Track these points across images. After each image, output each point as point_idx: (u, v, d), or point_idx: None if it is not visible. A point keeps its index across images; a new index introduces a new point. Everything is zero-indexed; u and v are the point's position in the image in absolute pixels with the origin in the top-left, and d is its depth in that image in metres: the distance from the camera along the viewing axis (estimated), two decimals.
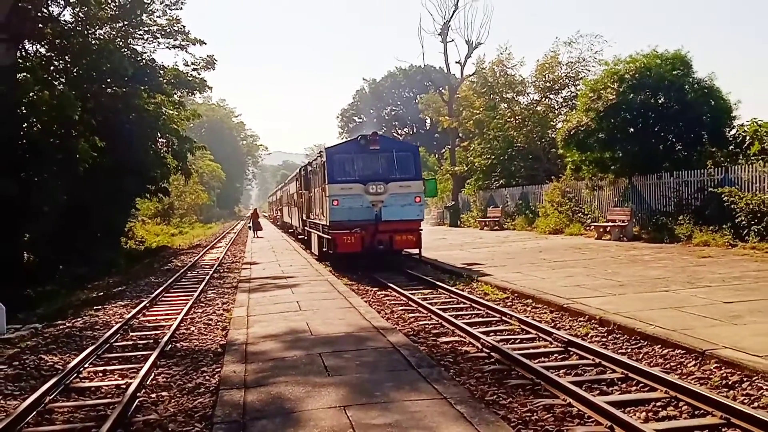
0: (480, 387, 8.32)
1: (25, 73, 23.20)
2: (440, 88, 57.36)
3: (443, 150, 52.76)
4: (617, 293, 13.66)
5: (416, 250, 21.74)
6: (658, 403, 7.41)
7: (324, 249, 22.67)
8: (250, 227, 46.92)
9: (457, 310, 13.97)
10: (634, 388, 8.09)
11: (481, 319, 12.85)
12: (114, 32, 33.52)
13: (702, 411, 7.01)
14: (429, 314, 13.60)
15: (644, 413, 7.15)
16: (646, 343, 9.98)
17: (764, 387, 7.55)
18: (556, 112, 45.02)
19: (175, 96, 38.28)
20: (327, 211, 21.03)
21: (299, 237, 36.19)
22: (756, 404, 7.06)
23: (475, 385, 8.43)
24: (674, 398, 7.46)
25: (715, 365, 8.51)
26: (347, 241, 20.32)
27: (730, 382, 7.88)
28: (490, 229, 39.32)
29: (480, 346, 10.48)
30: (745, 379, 7.88)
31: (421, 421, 6.44)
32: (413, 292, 16.21)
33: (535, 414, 7.25)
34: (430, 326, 12.47)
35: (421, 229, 21.50)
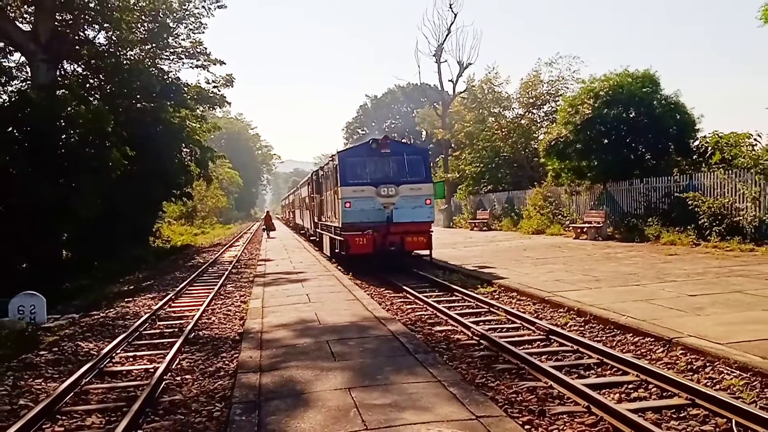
0: (470, 371, 8.32)
1: (64, 90, 23.23)
2: (434, 104, 57.59)
3: (437, 159, 52.77)
4: (593, 287, 13.64)
5: (426, 251, 20.11)
6: (630, 386, 7.40)
7: (336, 250, 21.06)
8: (264, 229, 45.67)
9: (450, 302, 13.96)
10: (609, 372, 8.09)
11: (471, 311, 12.84)
12: (143, 53, 33.56)
13: (669, 393, 7.00)
14: (425, 306, 13.59)
15: (618, 395, 7.15)
16: (619, 332, 9.97)
17: (725, 371, 7.55)
18: (538, 125, 45.01)
19: (197, 110, 38.20)
20: (339, 213, 19.65)
21: (311, 238, 34.54)
22: (717, 386, 7.05)
23: (466, 369, 8.42)
24: (644, 381, 7.46)
25: (681, 351, 8.51)
26: (359, 243, 19.02)
27: (694, 367, 7.87)
28: (480, 229, 39.30)
29: (470, 334, 10.48)
30: (707, 364, 7.87)
31: (417, 401, 6.43)
32: (412, 286, 16.18)
33: (520, 395, 7.24)
34: (426, 316, 12.45)
35: (432, 231, 19.85)
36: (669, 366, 7.98)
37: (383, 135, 20.79)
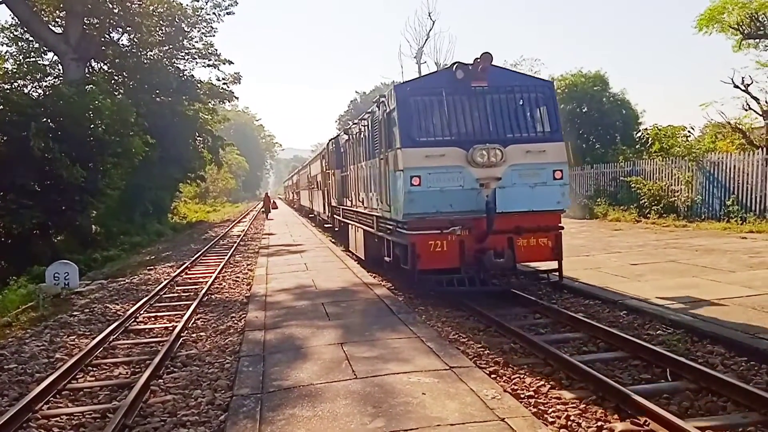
0: (445, 329, 8.34)
1: (91, 86, 22.83)
2: None
3: None
4: None
5: (547, 265, 10.05)
6: (581, 341, 7.47)
7: (386, 257, 11.53)
8: (263, 211, 41.83)
9: None
10: (563, 329, 8.14)
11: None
12: (161, 54, 33.20)
13: (614, 346, 7.06)
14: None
15: (570, 348, 7.20)
16: (571, 295, 10.03)
17: (660, 328, 7.63)
18: None
19: (209, 104, 38.12)
20: (395, 195, 9.99)
21: (326, 226, 23.83)
22: (654, 342, 7.12)
23: (441, 327, 8.45)
24: (593, 337, 7.52)
25: (624, 312, 8.59)
26: (437, 250, 9.49)
27: (635, 325, 7.95)
28: None
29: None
30: (646, 322, 7.95)
31: (399, 354, 6.45)
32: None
33: (487, 349, 7.28)
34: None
35: (562, 227, 9.92)
36: (614, 324, 8.05)
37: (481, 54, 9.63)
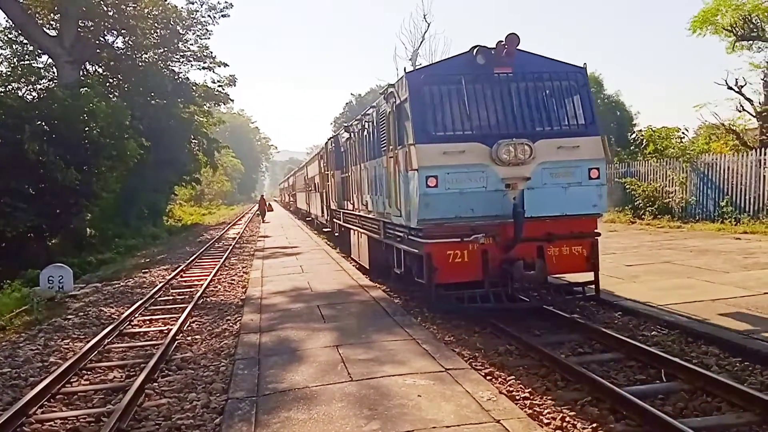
0: (441, 331, 8.33)
1: (86, 88, 22.79)
2: None
3: None
4: None
5: (582, 277, 8.95)
6: (576, 342, 7.46)
7: (396, 268, 10.30)
8: (258, 214, 40.79)
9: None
10: (559, 331, 8.13)
11: None
12: (156, 56, 33.17)
13: (610, 348, 7.06)
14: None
15: (566, 350, 7.21)
16: (569, 297, 9.99)
17: (655, 329, 7.65)
18: None
19: (204, 107, 38.16)
20: (407, 198, 8.84)
21: (324, 230, 22.63)
22: (649, 342, 7.13)
23: (437, 329, 8.44)
24: (588, 338, 7.52)
25: (619, 313, 8.60)
26: (456, 260, 8.37)
27: (630, 326, 7.96)
28: None
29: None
30: (641, 324, 7.96)
31: (395, 356, 6.45)
32: None
33: (482, 351, 7.27)
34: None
35: (599, 233, 8.89)
36: (609, 326, 8.05)
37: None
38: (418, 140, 8.29)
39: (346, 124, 15.13)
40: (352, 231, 14.97)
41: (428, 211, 8.24)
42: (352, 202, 14.50)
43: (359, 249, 14.11)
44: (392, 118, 9.46)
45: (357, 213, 13.80)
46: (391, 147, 9.68)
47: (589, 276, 8.76)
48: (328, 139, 19.44)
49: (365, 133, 12.27)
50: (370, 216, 12.23)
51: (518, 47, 8.53)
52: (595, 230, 8.80)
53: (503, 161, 8.20)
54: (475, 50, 8.58)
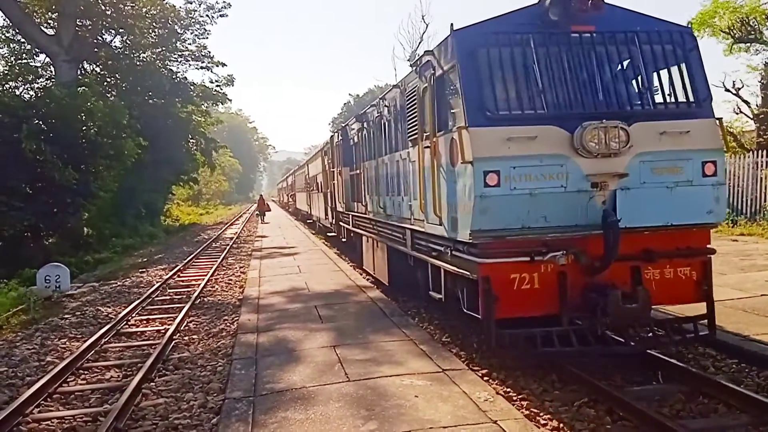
0: (437, 331, 8.34)
1: (84, 87, 22.73)
2: None
3: None
4: None
5: (692, 310, 6.63)
6: None
7: (433, 292, 7.87)
8: (257, 214, 38.96)
9: None
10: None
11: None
12: (154, 56, 33.10)
13: None
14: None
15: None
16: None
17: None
18: None
19: (202, 106, 38.09)
20: (452, 201, 6.57)
21: (329, 233, 20.05)
22: None
23: (434, 330, 8.44)
24: None
25: None
26: (524, 287, 6.06)
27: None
28: None
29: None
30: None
31: (392, 357, 6.45)
32: None
33: (479, 352, 7.27)
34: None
35: (713, 250, 6.49)
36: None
37: None
38: (472, 122, 6.01)
39: (357, 114, 13.26)
40: (363, 237, 12.89)
41: (485, 220, 5.97)
42: (364, 203, 12.49)
43: (374, 260, 11.87)
44: (429, 95, 7.23)
45: (371, 217, 11.65)
46: (426, 134, 7.39)
47: (695, 307, 6.51)
48: (335, 132, 17.53)
49: (383, 121, 10.20)
50: (390, 222, 9.96)
51: (606, 2, 6.37)
52: (708, 246, 6.48)
53: (590, 151, 5.95)
54: (547, 2, 6.32)
